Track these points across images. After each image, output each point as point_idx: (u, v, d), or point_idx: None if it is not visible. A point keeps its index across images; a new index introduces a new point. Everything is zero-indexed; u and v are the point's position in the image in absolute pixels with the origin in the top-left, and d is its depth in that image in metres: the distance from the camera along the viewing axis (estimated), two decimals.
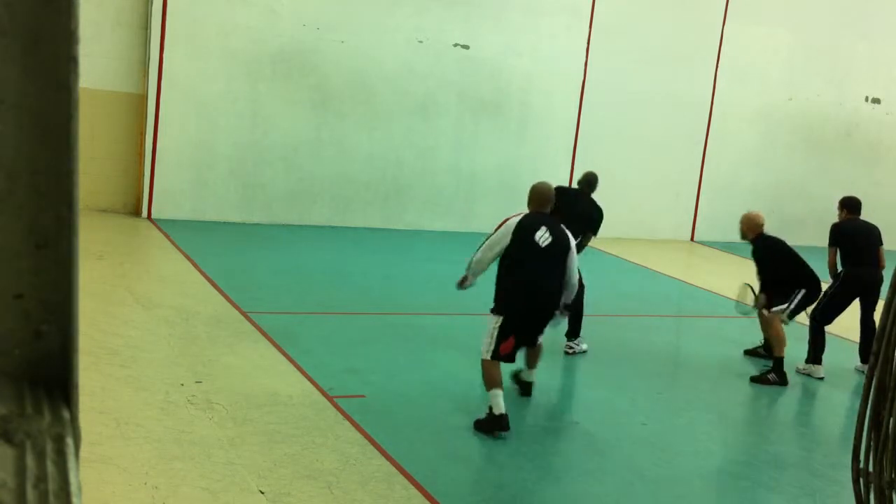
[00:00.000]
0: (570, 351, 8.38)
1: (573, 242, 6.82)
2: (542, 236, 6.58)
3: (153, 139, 12.39)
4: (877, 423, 3.79)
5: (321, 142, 13.26)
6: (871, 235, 8.87)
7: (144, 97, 12.33)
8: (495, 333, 6.49)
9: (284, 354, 7.40)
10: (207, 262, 10.12)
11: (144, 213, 12.45)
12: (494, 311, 6.58)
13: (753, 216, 8.67)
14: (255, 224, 12.89)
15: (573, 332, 8.41)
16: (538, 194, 6.93)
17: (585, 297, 8.43)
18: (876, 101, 17.15)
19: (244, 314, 8.35)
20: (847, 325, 9.22)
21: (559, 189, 8.27)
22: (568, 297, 6.82)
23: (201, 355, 7.16)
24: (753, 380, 8.23)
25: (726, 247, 15.02)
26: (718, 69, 15.70)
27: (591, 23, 14.57)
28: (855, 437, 3.93)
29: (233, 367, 7.00)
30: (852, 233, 8.85)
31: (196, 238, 11.49)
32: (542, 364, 8.42)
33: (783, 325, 8.36)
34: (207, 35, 12.46)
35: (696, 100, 15.65)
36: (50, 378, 0.92)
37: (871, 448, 3.81)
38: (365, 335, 8.30)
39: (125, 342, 7.23)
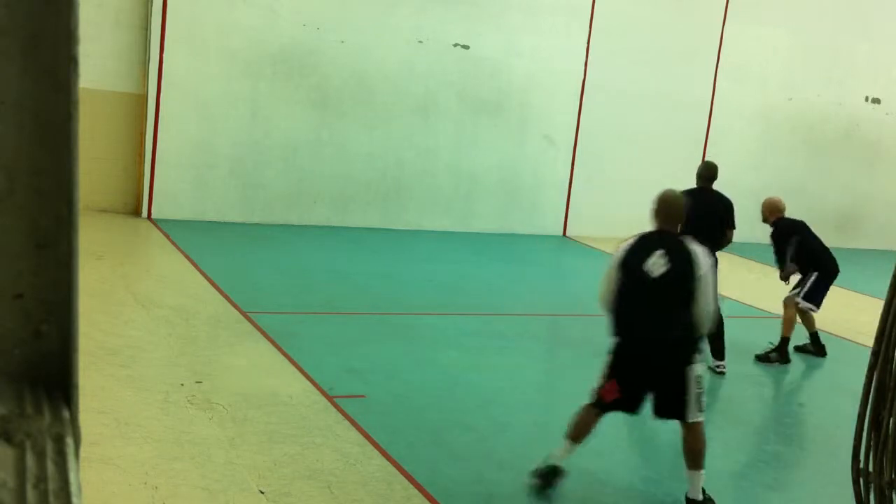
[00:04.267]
0: (719, 370, 8.19)
1: (703, 266, 5.32)
2: (656, 263, 5.30)
3: (153, 139, 12.39)
4: (877, 423, 3.79)
5: (321, 142, 13.26)
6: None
7: (144, 97, 12.32)
8: (603, 372, 5.48)
9: (284, 354, 7.40)
10: (207, 262, 10.12)
11: (144, 213, 12.45)
12: (611, 352, 5.52)
13: (774, 200, 9.12)
14: (255, 224, 12.89)
15: (717, 353, 8.19)
16: (664, 206, 5.56)
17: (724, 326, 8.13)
18: (876, 101, 17.15)
19: (244, 314, 8.35)
20: (849, 322, 9.22)
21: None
22: (703, 330, 5.47)
23: (201, 355, 7.16)
24: (759, 358, 8.73)
25: (726, 246, 15.01)
26: (718, 69, 15.70)
27: (591, 23, 14.57)
28: (855, 437, 3.93)
29: (233, 367, 7.00)
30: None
31: (196, 238, 11.49)
32: (541, 365, 8.40)
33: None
34: (207, 35, 12.46)
35: (696, 100, 15.65)
36: (50, 378, 0.92)
37: (871, 448, 3.81)
38: (365, 335, 8.30)
39: (125, 342, 7.23)
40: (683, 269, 5.28)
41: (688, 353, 5.32)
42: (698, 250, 5.36)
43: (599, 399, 5.44)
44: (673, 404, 5.34)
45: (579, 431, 5.49)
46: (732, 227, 8.30)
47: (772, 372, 8.57)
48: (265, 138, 12.96)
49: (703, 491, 5.41)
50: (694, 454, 5.35)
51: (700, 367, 5.40)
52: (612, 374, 5.39)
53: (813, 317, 8.93)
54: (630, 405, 5.46)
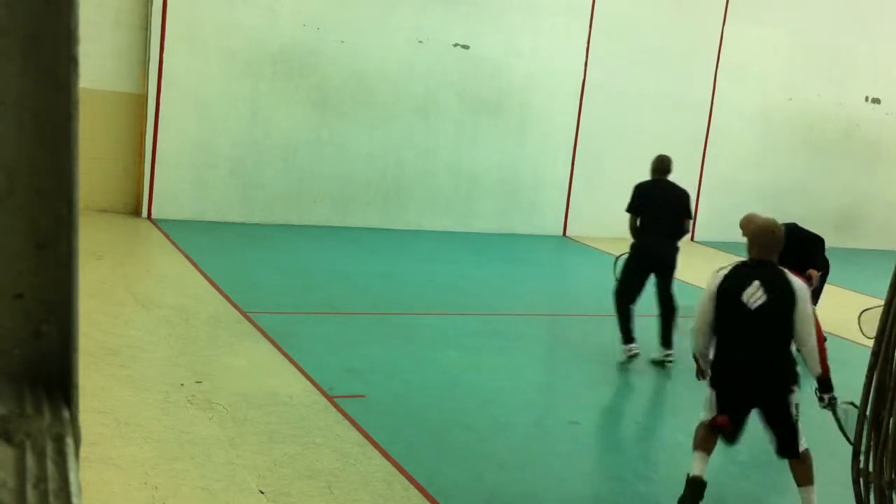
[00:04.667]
0: (668, 360, 8.22)
1: (802, 294, 5.24)
2: (754, 294, 5.22)
3: (153, 139, 12.39)
4: (877, 423, 3.79)
5: (321, 142, 13.26)
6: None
7: (144, 97, 12.32)
8: (713, 405, 5.42)
9: (284, 354, 7.40)
10: (207, 262, 10.12)
11: (144, 213, 12.45)
12: (710, 383, 5.50)
13: (751, 217, 8.94)
14: (255, 224, 12.88)
15: (667, 342, 8.32)
16: (760, 236, 5.43)
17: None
18: (876, 101, 17.15)
19: (244, 314, 8.35)
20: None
21: (645, 186, 8.27)
22: (810, 366, 5.41)
23: (201, 355, 7.16)
24: None
25: (726, 246, 15.01)
26: (718, 69, 15.70)
27: (591, 23, 14.57)
28: (855, 437, 3.93)
29: (233, 367, 7.00)
30: None
31: (196, 238, 11.49)
32: (541, 365, 8.41)
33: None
34: (207, 35, 12.46)
35: (696, 100, 15.65)
36: (50, 378, 0.92)
37: (871, 448, 3.81)
38: (365, 335, 8.30)
39: (125, 342, 7.23)
40: (782, 298, 5.20)
41: (787, 382, 5.29)
42: (797, 283, 5.29)
43: (714, 422, 5.40)
44: (783, 439, 5.36)
45: (700, 444, 5.45)
46: (689, 216, 8.38)
47: None
48: (265, 138, 12.96)
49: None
50: (807, 476, 5.39)
51: (798, 396, 5.35)
52: (723, 408, 5.35)
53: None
54: (732, 432, 5.44)
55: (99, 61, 11.90)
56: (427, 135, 13.84)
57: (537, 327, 9.45)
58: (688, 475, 5.36)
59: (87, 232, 9.93)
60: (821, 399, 5.57)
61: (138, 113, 12.40)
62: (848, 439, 5.23)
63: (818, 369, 5.40)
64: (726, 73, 15.72)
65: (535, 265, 12.68)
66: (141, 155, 12.45)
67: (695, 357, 5.64)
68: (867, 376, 3.88)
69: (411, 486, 5.34)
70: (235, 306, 8.56)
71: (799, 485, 5.42)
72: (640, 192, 8.33)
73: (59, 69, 0.88)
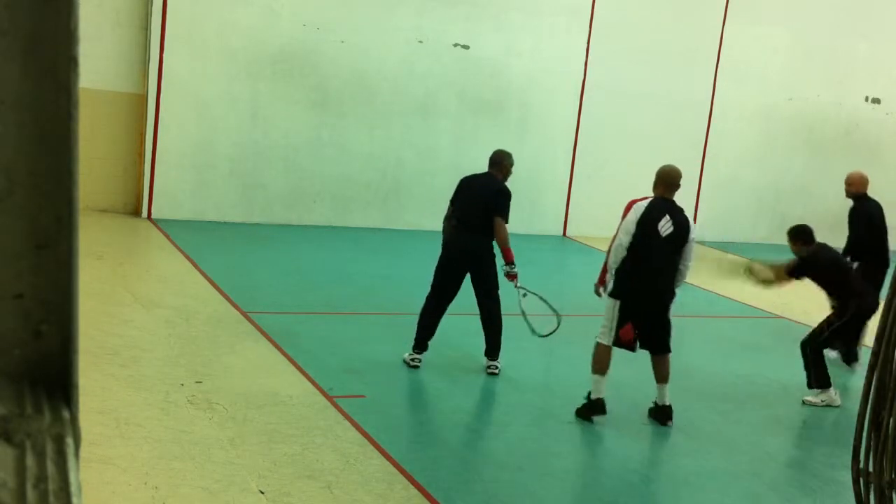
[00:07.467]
0: (491, 371, 7.58)
1: (694, 232, 6.75)
2: (665, 225, 6.57)
3: (153, 139, 12.39)
4: (877, 423, 3.79)
5: (321, 142, 13.26)
6: None
7: (144, 97, 12.32)
8: (615, 317, 6.58)
9: (284, 354, 7.40)
10: (207, 262, 10.12)
11: (144, 213, 12.45)
12: (612, 293, 6.68)
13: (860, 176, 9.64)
14: (255, 224, 12.89)
15: (493, 351, 7.62)
16: (666, 177, 6.78)
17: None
18: (876, 101, 17.15)
19: (244, 314, 8.35)
20: None
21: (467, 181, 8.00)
22: (680, 281, 6.78)
23: (201, 355, 7.16)
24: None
25: (726, 246, 15.02)
26: (718, 69, 15.70)
27: (591, 23, 14.57)
28: (855, 437, 3.93)
29: (233, 367, 7.00)
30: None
31: (196, 238, 11.49)
32: (541, 365, 8.42)
33: None
34: (207, 35, 12.46)
35: (696, 100, 15.65)
36: (50, 378, 0.92)
37: (871, 448, 3.81)
38: (365, 335, 8.30)
39: (125, 342, 7.23)
40: (683, 231, 6.62)
41: (671, 298, 6.74)
42: (690, 220, 6.77)
43: (618, 340, 6.59)
44: (658, 339, 6.71)
45: (604, 367, 6.65)
46: (499, 215, 7.51)
47: (770, 372, 8.57)
48: (265, 138, 12.96)
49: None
50: (665, 373, 6.75)
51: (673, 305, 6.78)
52: (627, 316, 6.56)
53: None
54: (635, 342, 6.64)
55: (99, 61, 11.90)
56: (427, 135, 13.84)
57: (537, 327, 9.44)
58: (591, 397, 6.62)
59: (87, 232, 9.94)
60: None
61: (138, 113, 12.40)
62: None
63: (680, 282, 6.78)
64: (726, 73, 15.72)
65: (535, 265, 12.67)
66: (141, 155, 12.45)
67: (610, 263, 6.80)
68: (867, 376, 3.88)
69: (411, 486, 5.34)
70: (235, 306, 8.56)
71: (658, 382, 6.78)
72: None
73: (59, 69, 0.88)
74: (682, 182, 6.86)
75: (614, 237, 6.84)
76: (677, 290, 6.78)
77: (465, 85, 13.94)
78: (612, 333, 6.60)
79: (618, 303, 6.60)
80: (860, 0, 16.55)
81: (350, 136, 13.39)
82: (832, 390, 7.74)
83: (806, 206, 16.38)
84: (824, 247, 7.94)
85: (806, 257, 7.79)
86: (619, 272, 6.65)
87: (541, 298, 7.60)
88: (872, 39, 16.78)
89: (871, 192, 9.72)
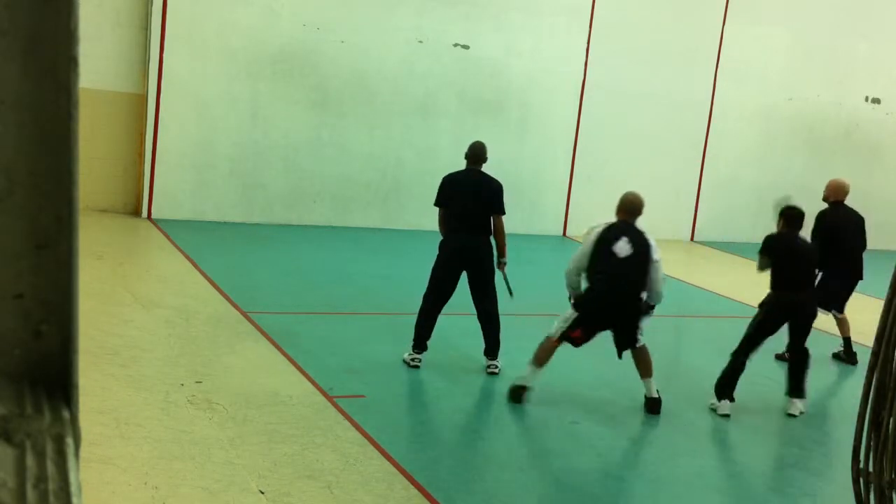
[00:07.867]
0: (491, 371, 7.61)
1: (655, 253, 6.93)
2: (623, 247, 6.82)
3: (153, 139, 12.39)
4: (877, 423, 3.79)
5: (321, 142, 13.25)
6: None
7: (144, 97, 12.32)
8: (570, 321, 6.95)
9: (284, 354, 7.40)
10: (207, 262, 10.12)
11: (144, 213, 12.45)
12: (573, 306, 7.04)
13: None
14: (255, 224, 12.88)
15: (492, 352, 7.65)
16: (626, 204, 7.13)
17: None
18: (876, 101, 17.15)
19: (244, 314, 8.35)
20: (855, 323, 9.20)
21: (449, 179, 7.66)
22: (651, 299, 7.01)
23: (201, 355, 7.16)
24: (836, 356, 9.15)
25: (726, 246, 15.02)
26: (718, 69, 15.70)
27: (591, 23, 14.56)
28: (855, 437, 3.93)
29: (233, 367, 7.00)
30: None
31: (196, 238, 11.49)
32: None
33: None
34: (207, 35, 12.45)
35: (696, 100, 15.65)
36: (50, 378, 0.92)
37: (871, 448, 3.81)
38: (365, 335, 8.30)
39: (125, 342, 7.23)
40: (642, 251, 6.85)
41: (639, 311, 6.99)
42: (651, 241, 6.95)
43: (568, 339, 6.98)
44: (623, 341, 7.04)
45: (544, 361, 6.97)
46: (500, 212, 7.52)
47: (770, 373, 8.57)
48: (265, 138, 12.96)
49: (657, 391, 7.10)
50: (647, 368, 7.02)
51: (646, 321, 7.10)
52: (578, 323, 6.92)
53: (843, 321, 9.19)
54: (581, 343, 7.05)
55: (99, 61, 11.90)
56: (427, 135, 13.83)
57: (537, 327, 9.44)
58: (516, 383, 6.89)
59: (87, 232, 9.93)
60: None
61: (138, 113, 12.40)
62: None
63: (656, 301, 7.05)
64: (726, 73, 15.71)
65: (535, 265, 12.67)
66: (141, 155, 12.45)
67: (567, 288, 7.18)
68: (867, 376, 3.88)
69: (411, 486, 5.34)
70: (235, 306, 8.56)
71: (642, 377, 7.04)
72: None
73: (59, 69, 0.88)
74: (643, 209, 7.20)
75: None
76: (652, 303, 7.05)
77: (465, 85, 13.93)
78: (562, 332, 6.97)
79: (576, 314, 6.97)
80: (860, 0, 16.55)
81: (350, 136, 13.39)
82: (727, 402, 7.25)
83: (806, 206, 16.32)
84: (795, 236, 7.55)
85: (772, 235, 7.56)
86: (579, 294, 7.04)
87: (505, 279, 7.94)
88: (872, 39, 16.78)
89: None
